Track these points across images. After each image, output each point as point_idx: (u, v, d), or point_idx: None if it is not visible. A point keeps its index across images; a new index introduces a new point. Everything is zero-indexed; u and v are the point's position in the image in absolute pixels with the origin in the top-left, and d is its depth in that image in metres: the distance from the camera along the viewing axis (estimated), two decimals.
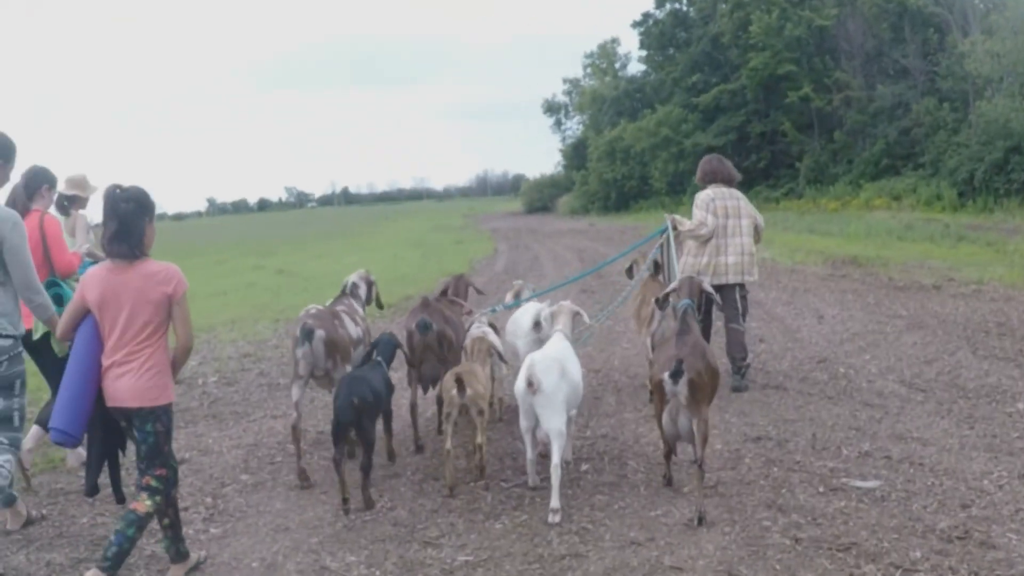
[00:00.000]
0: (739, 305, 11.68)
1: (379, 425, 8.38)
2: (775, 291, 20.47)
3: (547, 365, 7.79)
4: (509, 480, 8.42)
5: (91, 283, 6.16)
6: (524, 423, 7.87)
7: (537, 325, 9.61)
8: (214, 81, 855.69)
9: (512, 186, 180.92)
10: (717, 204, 11.51)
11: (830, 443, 8.98)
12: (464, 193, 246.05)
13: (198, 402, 12.05)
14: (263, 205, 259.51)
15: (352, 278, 10.29)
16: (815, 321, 16.18)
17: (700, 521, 7.10)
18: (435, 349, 9.31)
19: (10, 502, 7.45)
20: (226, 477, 8.89)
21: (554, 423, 7.61)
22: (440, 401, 8.90)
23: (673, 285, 9.10)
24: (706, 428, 7.35)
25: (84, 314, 6.23)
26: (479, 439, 8.20)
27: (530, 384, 7.59)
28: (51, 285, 7.66)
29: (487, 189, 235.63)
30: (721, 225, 11.42)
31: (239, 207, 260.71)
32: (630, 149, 69.00)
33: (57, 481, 8.83)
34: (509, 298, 11.60)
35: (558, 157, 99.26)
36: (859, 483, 7.87)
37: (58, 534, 7.58)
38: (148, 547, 7.15)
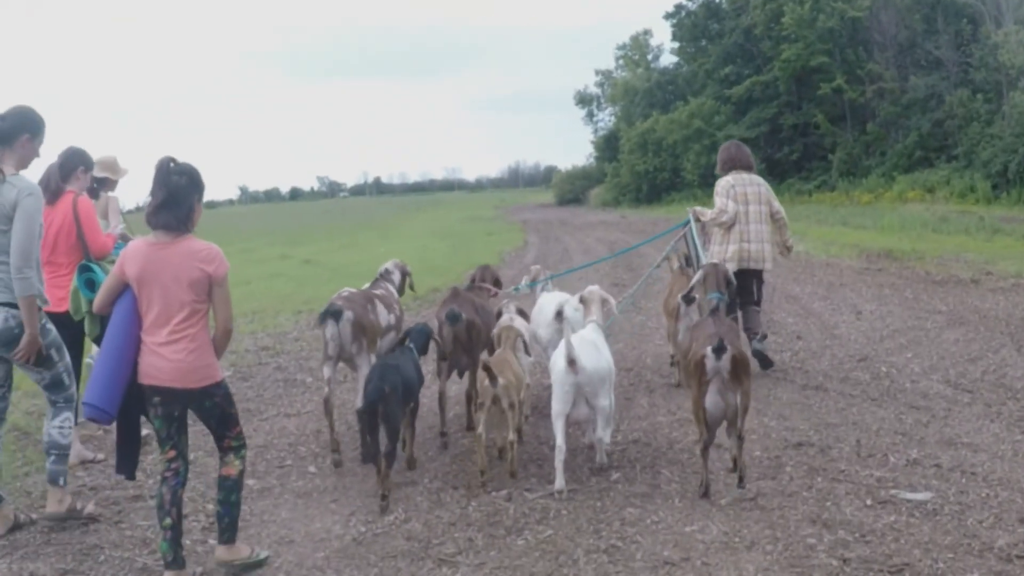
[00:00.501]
0: (755, 293, 11.83)
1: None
2: (810, 285, 19.88)
3: (586, 345, 7.87)
4: (533, 490, 7.74)
5: (131, 257, 6.05)
6: (559, 407, 7.73)
7: (559, 315, 9.30)
8: (248, 70, 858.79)
9: (544, 178, 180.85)
10: (737, 191, 11.54)
11: (876, 450, 8.38)
12: (496, 184, 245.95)
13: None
14: (295, 194, 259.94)
15: (387, 265, 10.26)
16: (853, 317, 15.60)
17: (740, 482, 7.44)
18: (464, 340, 9.09)
19: (53, 478, 7.15)
20: None
21: (603, 401, 7.78)
22: (469, 396, 9.01)
23: (697, 276, 9.68)
24: (748, 401, 7.47)
25: (122, 289, 6.11)
26: (511, 435, 7.86)
27: (571, 363, 7.54)
28: (84, 269, 7.34)
29: (519, 180, 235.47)
30: (743, 211, 11.45)
31: (271, 196, 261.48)
32: (662, 141, 68.41)
33: (42, 485, 7.99)
34: (525, 281, 11.56)
35: (590, 149, 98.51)
36: (909, 495, 7.26)
37: (45, 541, 6.96)
38: (139, 559, 6.68)
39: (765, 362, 11.51)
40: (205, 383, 6.13)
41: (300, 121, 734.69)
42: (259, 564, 6.40)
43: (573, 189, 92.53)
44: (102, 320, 6.35)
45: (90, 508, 7.28)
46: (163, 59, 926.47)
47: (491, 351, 8.70)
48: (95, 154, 9.18)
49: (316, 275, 25.35)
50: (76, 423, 7.71)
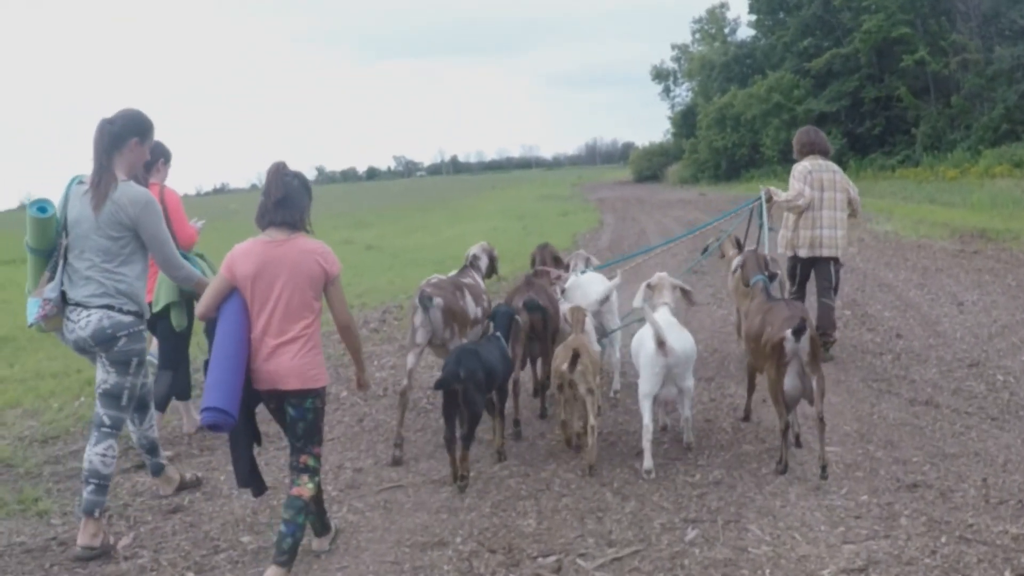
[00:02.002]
0: (832, 279, 11.53)
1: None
2: (904, 271, 18.39)
3: (672, 327, 8.01)
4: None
5: (242, 257, 5.98)
6: (647, 388, 7.82)
7: (605, 300, 9.63)
8: (325, 49, 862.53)
9: (621, 154, 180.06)
10: (814, 176, 11.34)
11: (1007, 492, 6.93)
12: (573, 162, 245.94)
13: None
14: (372, 174, 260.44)
15: (474, 250, 10.24)
16: (955, 309, 14.17)
17: (823, 472, 7.35)
18: (539, 328, 9.06)
19: (158, 470, 7.55)
20: (223, 538, 6.93)
21: (688, 382, 8.00)
22: (543, 384, 9.22)
23: (737, 261, 9.71)
24: (824, 383, 7.58)
25: (229, 291, 6.01)
26: (591, 420, 7.75)
27: (661, 345, 7.63)
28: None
29: (596, 157, 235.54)
30: (817, 198, 11.26)
31: (348, 176, 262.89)
32: (740, 116, 66.67)
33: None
34: (582, 266, 11.12)
35: (667, 125, 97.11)
36: None
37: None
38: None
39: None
40: (316, 384, 6.06)
41: (377, 101, 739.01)
42: None
43: (651, 166, 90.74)
44: (189, 311, 7.14)
45: (124, 541, 6.89)
46: (237, 39, 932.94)
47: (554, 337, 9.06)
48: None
49: (376, 262, 24.13)
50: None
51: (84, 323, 6.53)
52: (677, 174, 78.80)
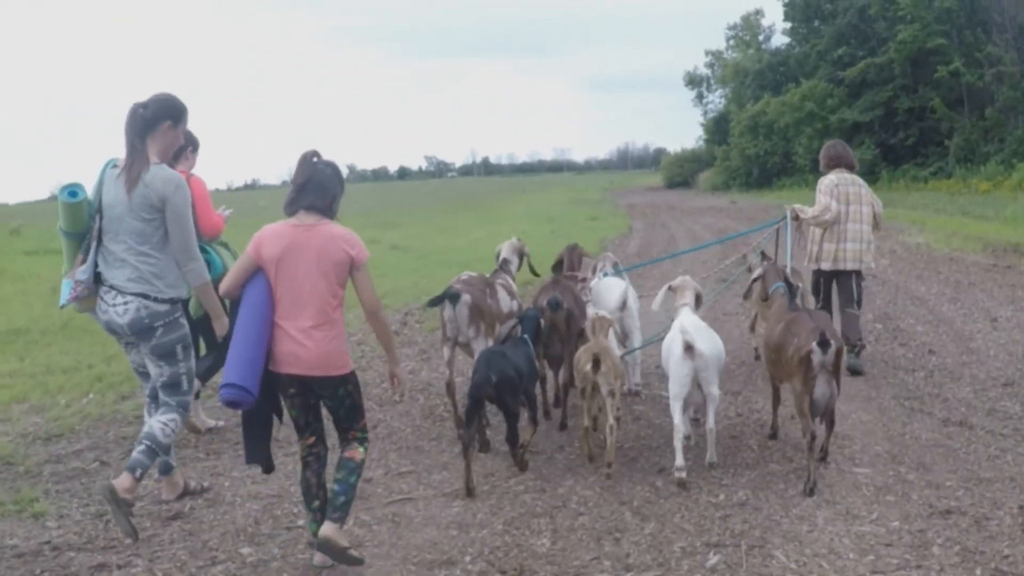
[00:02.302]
0: (854, 293, 11.47)
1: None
2: (936, 284, 17.96)
3: (701, 331, 8.00)
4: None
5: (270, 238, 6.00)
6: (676, 390, 7.82)
7: (623, 305, 9.71)
8: (358, 48, 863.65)
9: (653, 160, 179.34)
10: (840, 190, 11.35)
11: None
12: (604, 166, 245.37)
13: (236, 418, 9.30)
14: (403, 173, 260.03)
15: (505, 252, 10.26)
16: (988, 325, 13.74)
17: (823, 456, 7.87)
18: (562, 329, 9.05)
19: (167, 470, 7.36)
20: (221, 549, 6.61)
21: (714, 388, 7.85)
22: (565, 386, 9.16)
23: (756, 274, 9.65)
24: (839, 388, 7.72)
25: (253, 271, 6.02)
26: (611, 420, 7.79)
27: (688, 348, 7.64)
28: (199, 250, 7.09)
29: (628, 162, 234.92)
30: (843, 211, 11.27)
31: (379, 175, 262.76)
32: (773, 124, 65.72)
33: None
34: (608, 268, 11.13)
35: (699, 131, 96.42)
36: None
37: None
38: None
39: (856, 374, 10.89)
40: (344, 371, 6.08)
41: (410, 100, 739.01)
42: (353, 562, 6.07)
43: (682, 172, 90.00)
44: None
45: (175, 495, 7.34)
46: (271, 34, 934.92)
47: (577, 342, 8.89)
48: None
49: (401, 263, 23.75)
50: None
51: (121, 310, 6.56)
52: (708, 181, 78.16)
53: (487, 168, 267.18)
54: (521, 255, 10.39)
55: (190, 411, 7.61)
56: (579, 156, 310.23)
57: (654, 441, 8.70)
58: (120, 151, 6.66)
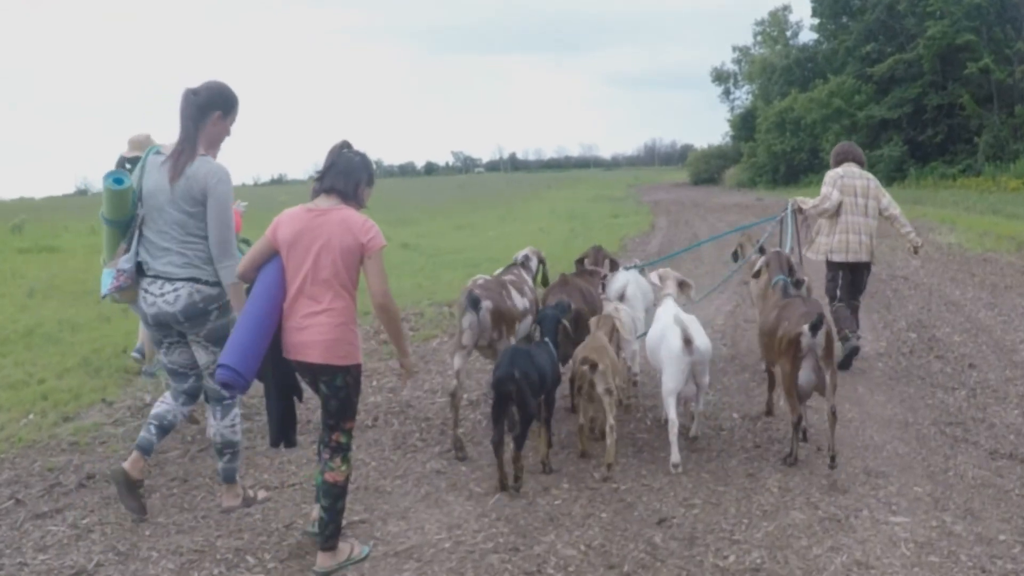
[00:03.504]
0: (863, 286, 11.58)
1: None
2: (972, 287, 16.75)
3: (695, 325, 8.08)
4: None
5: (286, 221, 5.91)
6: (672, 384, 7.81)
7: (622, 297, 9.55)
8: (385, 44, 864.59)
9: (680, 156, 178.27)
10: (845, 182, 11.26)
11: None
12: (631, 162, 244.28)
13: (181, 448, 8.61)
14: (430, 169, 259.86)
15: (525, 251, 10.04)
16: None
17: (832, 462, 7.51)
18: (569, 329, 8.51)
19: (230, 477, 7.04)
20: None
21: (706, 379, 8.13)
22: (573, 380, 8.39)
23: (760, 263, 9.62)
24: (836, 377, 7.67)
25: (269, 254, 5.94)
26: (610, 420, 7.63)
27: (688, 343, 7.70)
28: None
29: (654, 158, 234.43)
30: (849, 203, 11.16)
31: (406, 170, 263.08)
32: (800, 120, 64.55)
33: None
34: (635, 262, 11.26)
35: (726, 127, 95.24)
36: None
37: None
38: None
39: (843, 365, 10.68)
40: (346, 361, 5.87)
41: (438, 95, 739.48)
42: (362, 559, 6.09)
43: (708, 168, 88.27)
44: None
45: (262, 494, 7.20)
46: (299, 28, 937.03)
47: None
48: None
49: (409, 262, 22.44)
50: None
51: (172, 297, 6.41)
52: (735, 177, 76.86)
53: (514, 164, 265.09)
54: (540, 259, 10.08)
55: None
56: (606, 152, 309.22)
57: (656, 480, 7.49)
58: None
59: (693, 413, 8.37)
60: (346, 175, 5.97)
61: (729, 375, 10.70)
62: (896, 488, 7.04)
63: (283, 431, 6.25)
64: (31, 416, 9.48)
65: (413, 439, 8.78)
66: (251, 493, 7.11)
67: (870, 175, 11.48)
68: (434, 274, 19.67)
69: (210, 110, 6.53)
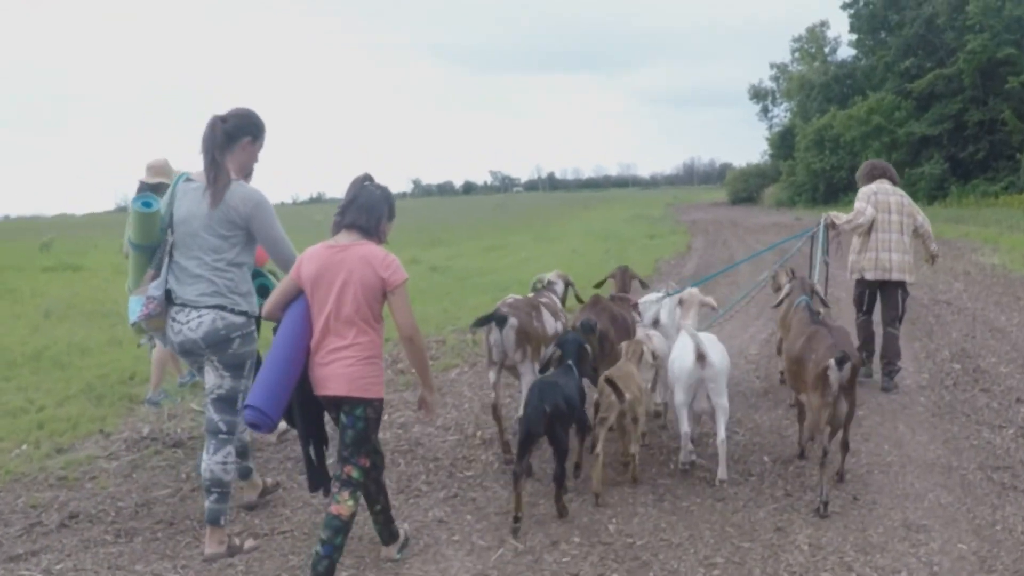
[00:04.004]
0: (900, 308, 11.17)
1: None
2: (1017, 313, 15.97)
3: (712, 342, 8.06)
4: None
5: (309, 259, 5.89)
6: (682, 398, 7.96)
7: (655, 323, 9.62)
8: (424, 64, 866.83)
9: (719, 175, 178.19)
10: (879, 198, 11.09)
11: None
12: (670, 181, 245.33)
13: (173, 487, 8.13)
14: (468, 188, 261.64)
15: (549, 275, 10.05)
16: None
17: (841, 479, 7.68)
18: (595, 349, 8.36)
19: (246, 474, 7.31)
20: None
21: (723, 399, 7.89)
22: (596, 406, 8.11)
23: (785, 290, 9.55)
24: (854, 409, 7.56)
25: (295, 293, 5.96)
26: (633, 448, 7.85)
27: (700, 358, 7.72)
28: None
29: (693, 177, 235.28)
30: (883, 220, 10.99)
31: (444, 189, 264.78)
32: (839, 138, 63.91)
33: None
34: (667, 289, 10.53)
35: (765, 145, 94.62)
36: None
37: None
38: None
39: (883, 386, 10.88)
40: (367, 394, 5.85)
41: (476, 115, 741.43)
42: None
43: (747, 187, 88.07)
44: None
45: (249, 543, 6.81)
46: (342, 49, 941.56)
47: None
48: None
49: (436, 286, 21.88)
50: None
51: (195, 324, 6.37)
52: (773, 196, 76.52)
53: (552, 183, 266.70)
54: (566, 283, 10.10)
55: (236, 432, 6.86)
56: (644, 171, 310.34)
57: (676, 534, 6.83)
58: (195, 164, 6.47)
59: (717, 445, 7.91)
60: (368, 211, 5.93)
61: (761, 412, 10.07)
62: (938, 545, 6.41)
63: (319, 476, 6.28)
64: (24, 447, 9.14)
65: (418, 482, 8.22)
66: (236, 541, 6.75)
67: (903, 192, 11.36)
68: (461, 299, 19.14)
69: (240, 136, 6.53)
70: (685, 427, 7.99)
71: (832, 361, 7.12)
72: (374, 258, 5.79)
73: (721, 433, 7.80)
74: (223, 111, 6.61)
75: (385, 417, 9.89)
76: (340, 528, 5.82)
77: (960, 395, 10.55)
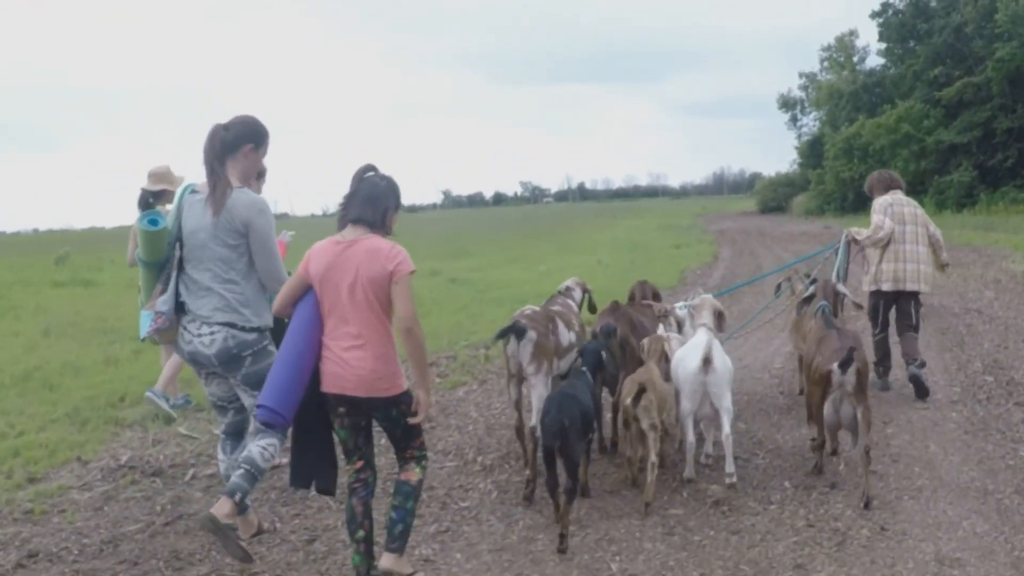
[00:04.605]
0: (913, 318, 11.10)
1: None
2: None
3: (717, 346, 7.98)
4: None
5: (316, 255, 5.76)
6: (688, 405, 7.85)
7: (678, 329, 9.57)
8: (454, 74, 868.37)
9: (748, 184, 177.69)
10: (895, 209, 11.07)
11: None
12: (700, 191, 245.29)
13: (145, 521, 7.54)
14: (498, 199, 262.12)
15: (568, 283, 9.78)
16: None
17: (867, 505, 7.14)
18: (617, 355, 8.58)
19: (243, 510, 6.59)
20: None
21: (725, 401, 7.75)
22: (615, 410, 8.39)
23: (808, 292, 9.58)
24: (870, 415, 7.49)
25: (304, 289, 5.80)
26: (652, 457, 7.41)
27: (707, 362, 7.66)
28: None
29: (723, 187, 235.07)
30: (899, 231, 10.98)
31: (474, 200, 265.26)
32: (868, 147, 62.92)
33: None
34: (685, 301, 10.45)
35: (794, 154, 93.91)
36: None
37: None
38: None
39: (921, 390, 10.68)
40: (392, 392, 5.74)
41: (505, 126, 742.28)
42: None
43: (776, 196, 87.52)
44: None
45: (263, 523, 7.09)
46: (373, 58, 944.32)
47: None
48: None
49: (454, 299, 21.34)
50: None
51: (208, 340, 6.27)
52: (803, 205, 75.81)
53: (582, 194, 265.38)
54: (584, 290, 9.76)
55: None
56: (675, 181, 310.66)
57: (685, 573, 6.24)
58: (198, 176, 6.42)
59: (722, 440, 7.79)
60: (373, 203, 5.81)
61: (784, 431, 9.43)
62: None
63: (315, 470, 6.04)
64: None
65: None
66: (266, 525, 7.03)
67: (915, 202, 11.40)
68: (478, 311, 18.59)
69: (241, 143, 6.42)
70: (690, 437, 7.92)
71: (835, 364, 7.28)
72: (380, 251, 5.67)
73: (726, 429, 7.70)
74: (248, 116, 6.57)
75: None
76: (410, 493, 5.92)
77: (994, 410, 9.93)
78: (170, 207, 8.53)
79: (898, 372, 11.35)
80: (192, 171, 8.61)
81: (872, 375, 9.87)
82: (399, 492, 5.92)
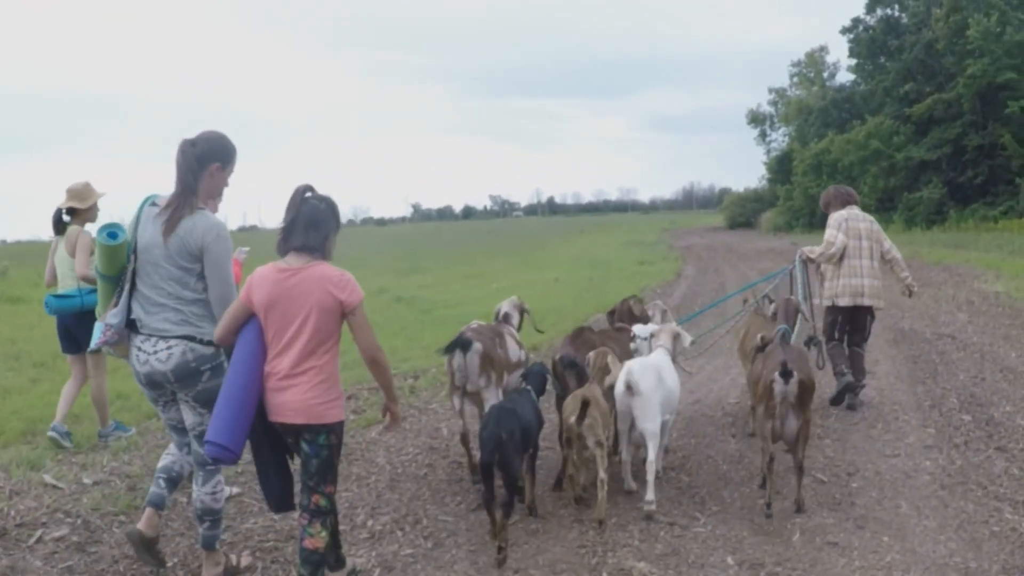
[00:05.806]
0: (867, 331, 11.35)
1: None
2: None
3: (645, 370, 7.89)
4: None
5: (259, 283, 5.58)
6: (621, 425, 7.95)
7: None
8: (423, 88, 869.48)
9: (718, 200, 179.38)
10: (850, 224, 11.17)
11: None
12: (670, 206, 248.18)
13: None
14: (468, 213, 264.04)
15: (504, 308, 9.64)
16: None
17: (799, 509, 7.39)
18: (577, 384, 8.08)
19: (210, 544, 6.41)
20: None
21: (649, 425, 7.70)
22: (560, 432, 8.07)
23: (772, 308, 9.92)
24: (808, 428, 7.57)
25: (247, 317, 5.64)
26: (601, 474, 7.19)
27: (629, 388, 7.67)
28: None
29: (692, 202, 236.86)
30: (854, 246, 11.08)
31: (444, 214, 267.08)
32: (837, 163, 62.52)
33: None
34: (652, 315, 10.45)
35: (763, 170, 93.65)
36: None
37: None
38: None
39: (839, 397, 10.94)
40: (327, 420, 5.56)
41: (475, 140, 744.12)
42: None
43: (744, 212, 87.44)
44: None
45: (245, 559, 6.72)
46: (340, 72, 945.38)
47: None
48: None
49: (395, 320, 20.20)
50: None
51: (164, 355, 5.99)
52: (771, 221, 75.51)
53: (552, 208, 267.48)
54: (521, 311, 9.73)
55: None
56: (644, 196, 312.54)
57: None
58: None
59: (646, 466, 7.64)
60: (316, 228, 5.61)
61: (731, 486, 8.28)
62: None
63: (284, 495, 5.88)
64: None
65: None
66: (233, 559, 6.62)
67: (871, 218, 11.50)
68: (417, 335, 17.40)
69: (208, 161, 6.18)
70: (625, 455, 8.08)
71: (776, 374, 7.24)
72: (328, 280, 5.51)
73: (651, 455, 7.60)
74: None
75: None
76: (319, 562, 5.67)
77: (972, 457, 8.73)
78: (86, 228, 9.21)
79: (867, 412, 10.48)
80: (154, 182, 7.88)
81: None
82: (307, 561, 5.61)
